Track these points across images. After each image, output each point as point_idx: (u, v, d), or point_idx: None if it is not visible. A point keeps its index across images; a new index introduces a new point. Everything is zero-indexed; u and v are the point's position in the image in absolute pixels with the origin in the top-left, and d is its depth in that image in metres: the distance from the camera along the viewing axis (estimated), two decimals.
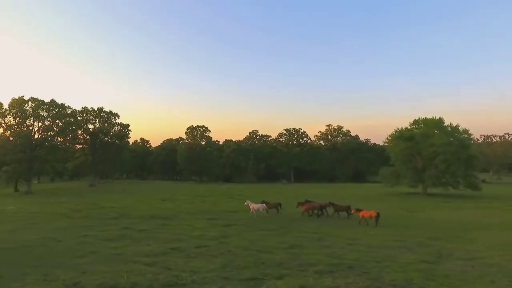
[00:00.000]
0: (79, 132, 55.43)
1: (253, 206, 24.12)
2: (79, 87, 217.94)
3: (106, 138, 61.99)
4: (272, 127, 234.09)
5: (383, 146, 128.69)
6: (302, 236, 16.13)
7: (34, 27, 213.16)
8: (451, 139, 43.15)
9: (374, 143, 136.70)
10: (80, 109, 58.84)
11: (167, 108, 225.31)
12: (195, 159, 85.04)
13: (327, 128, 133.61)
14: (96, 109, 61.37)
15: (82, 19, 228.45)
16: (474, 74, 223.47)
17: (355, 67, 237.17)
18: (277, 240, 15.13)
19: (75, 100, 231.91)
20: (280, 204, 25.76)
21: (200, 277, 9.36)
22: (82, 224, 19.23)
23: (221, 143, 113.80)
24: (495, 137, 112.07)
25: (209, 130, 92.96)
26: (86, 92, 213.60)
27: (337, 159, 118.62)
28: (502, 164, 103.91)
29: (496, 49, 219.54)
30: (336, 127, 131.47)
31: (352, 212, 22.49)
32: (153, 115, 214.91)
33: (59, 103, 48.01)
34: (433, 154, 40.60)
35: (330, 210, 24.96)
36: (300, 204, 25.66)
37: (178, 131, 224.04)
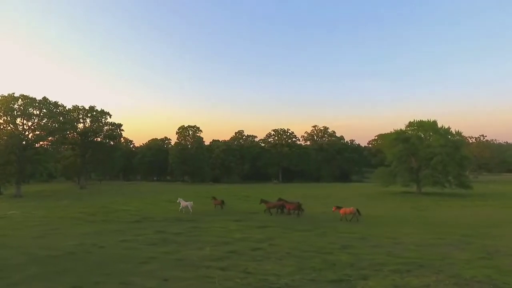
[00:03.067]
0: (69, 131, 52.72)
1: (183, 203, 26.56)
2: (54, 83, 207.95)
3: (97, 138, 59.38)
4: (255, 127, 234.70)
5: (363, 146, 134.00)
6: (343, 236, 16.36)
7: (23, 26, 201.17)
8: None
9: (359, 144, 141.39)
10: (71, 108, 56.27)
11: (148, 108, 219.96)
12: (187, 159, 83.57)
13: (313, 129, 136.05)
14: (87, 108, 58.77)
15: (69, 17, 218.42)
16: (449, 77, 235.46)
17: (336, 68, 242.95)
18: (323, 240, 15.27)
19: (51, 97, 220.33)
20: (223, 201, 29.00)
21: (289, 280, 9.34)
22: (109, 228, 18.45)
23: (207, 143, 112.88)
24: (471, 139, 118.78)
25: (201, 130, 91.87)
26: (59, 89, 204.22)
27: (324, 159, 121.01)
28: (478, 164, 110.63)
29: (469, 52, 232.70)
30: (322, 128, 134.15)
31: (333, 210, 23.67)
32: (134, 114, 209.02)
33: (52, 101, 45.54)
34: (430, 155, 42.48)
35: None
36: (263, 201, 27.15)
37: (163, 131, 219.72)
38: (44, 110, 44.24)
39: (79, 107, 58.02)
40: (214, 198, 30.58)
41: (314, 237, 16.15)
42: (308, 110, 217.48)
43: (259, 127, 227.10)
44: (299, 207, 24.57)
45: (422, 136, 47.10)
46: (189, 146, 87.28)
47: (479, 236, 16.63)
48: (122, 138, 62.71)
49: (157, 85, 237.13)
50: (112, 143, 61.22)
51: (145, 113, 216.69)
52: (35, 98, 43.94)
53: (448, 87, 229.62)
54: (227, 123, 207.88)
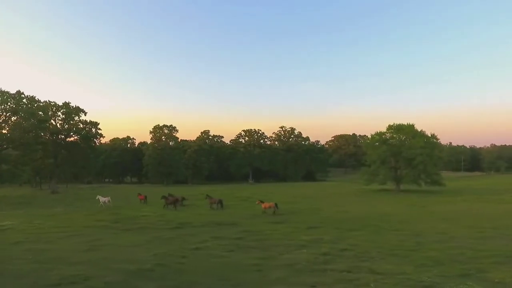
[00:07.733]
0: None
1: (102, 199, 30.77)
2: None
3: (71, 138, 53.57)
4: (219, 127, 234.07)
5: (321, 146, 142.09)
6: (399, 234, 17.28)
7: None
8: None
9: (323, 144, 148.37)
10: (42, 104, 49.70)
11: (105, 107, 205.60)
12: (164, 160, 79.76)
13: (280, 129, 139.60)
14: (61, 104, 52.45)
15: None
16: (391, 82, 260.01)
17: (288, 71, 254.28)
18: (388, 238, 16.04)
19: None
20: (146, 197, 34.15)
21: (426, 277, 9.85)
22: (157, 237, 17.18)
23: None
24: None
25: (177, 130, 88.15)
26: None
27: (292, 159, 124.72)
28: None
29: (411, 55, 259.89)
30: (289, 129, 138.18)
31: (257, 203, 26.26)
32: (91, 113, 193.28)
33: (29, 95, 39.81)
34: (412, 156, 46.58)
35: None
36: (164, 197, 30.28)
37: (123, 130, 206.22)
38: (13, 105, 38.56)
39: (51, 103, 51.87)
40: (139, 194, 35.29)
41: (374, 236, 16.83)
42: (270, 110, 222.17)
43: (223, 126, 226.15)
44: (175, 201, 28.25)
45: (401, 138, 51.43)
46: (162, 148, 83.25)
47: (503, 228, 18.75)
48: (101, 139, 57.72)
49: (113, 84, 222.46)
50: (87, 143, 55.64)
51: (103, 112, 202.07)
52: (8, 91, 38.31)
53: (393, 92, 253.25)
54: (190, 123, 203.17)
